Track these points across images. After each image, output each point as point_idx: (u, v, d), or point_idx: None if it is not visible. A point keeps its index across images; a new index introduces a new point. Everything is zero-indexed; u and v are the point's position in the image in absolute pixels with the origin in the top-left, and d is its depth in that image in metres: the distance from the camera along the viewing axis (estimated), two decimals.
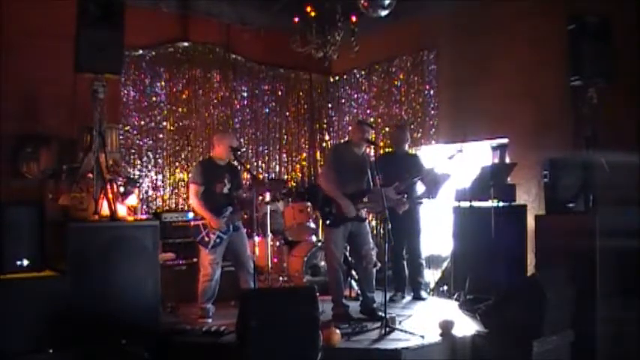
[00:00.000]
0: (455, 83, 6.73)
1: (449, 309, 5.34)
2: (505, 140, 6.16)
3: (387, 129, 7.45)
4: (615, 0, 4.95)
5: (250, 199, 5.09)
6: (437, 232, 6.47)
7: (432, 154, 6.80)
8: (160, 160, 6.91)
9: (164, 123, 6.93)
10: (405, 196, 5.34)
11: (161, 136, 6.92)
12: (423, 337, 4.29)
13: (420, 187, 5.71)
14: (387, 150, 7.03)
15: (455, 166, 5.54)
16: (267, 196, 5.98)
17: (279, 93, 7.98)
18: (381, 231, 6.95)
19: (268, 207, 5.90)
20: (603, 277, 4.28)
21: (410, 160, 5.93)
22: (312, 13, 5.79)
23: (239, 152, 5.45)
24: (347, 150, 5.23)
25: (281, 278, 6.35)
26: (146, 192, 6.79)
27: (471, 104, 6.47)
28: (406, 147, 6.07)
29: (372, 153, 6.61)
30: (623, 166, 4.54)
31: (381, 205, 4.73)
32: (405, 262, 5.88)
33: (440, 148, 6.81)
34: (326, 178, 5.11)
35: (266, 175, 7.75)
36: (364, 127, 5.22)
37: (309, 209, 6.44)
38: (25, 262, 4.16)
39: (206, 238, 5.03)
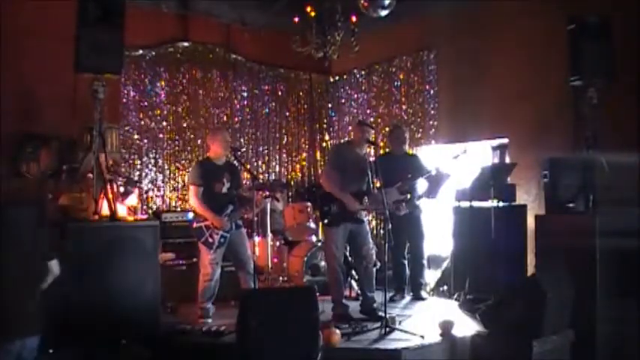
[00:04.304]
0: (455, 83, 6.73)
1: (449, 309, 5.33)
2: (505, 140, 6.15)
3: (387, 129, 7.44)
4: (615, 0, 4.96)
5: (250, 198, 5.09)
6: (437, 232, 6.47)
7: (433, 154, 6.80)
8: (159, 160, 6.91)
9: (164, 123, 6.94)
10: (408, 195, 5.34)
11: (161, 136, 6.92)
12: (423, 337, 4.29)
13: (421, 188, 5.71)
14: (386, 150, 7.02)
15: (458, 166, 5.54)
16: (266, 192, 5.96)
17: (279, 93, 7.98)
18: (381, 231, 6.94)
19: (268, 204, 5.86)
20: (603, 277, 4.28)
21: (410, 160, 5.92)
22: (312, 13, 5.79)
23: (239, 152, 5.44)
24: (348, 150, 5.23)
25: (281, 278, 6.35)
26: (146, 192, 6.79)
27: (471, 104, 6.46)
28: (405, 147, 6.05)
29: (372, 153, 6.61)
30: (623, 166, 4.54)
31: (381, 208, 4.74)
32: (405, 263, 5.88)
33: (440, 148, 6.81)
34: (328, 178, 5.10)
35: (266, 175, 7.75)
36: (364, 128, 5.22)
37: (309, 209, 6.44)
38: None
39: (210, 239, 5.01)
